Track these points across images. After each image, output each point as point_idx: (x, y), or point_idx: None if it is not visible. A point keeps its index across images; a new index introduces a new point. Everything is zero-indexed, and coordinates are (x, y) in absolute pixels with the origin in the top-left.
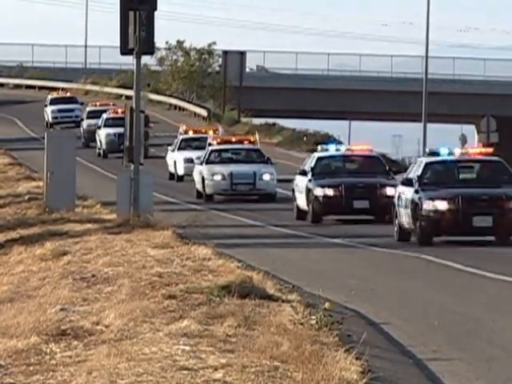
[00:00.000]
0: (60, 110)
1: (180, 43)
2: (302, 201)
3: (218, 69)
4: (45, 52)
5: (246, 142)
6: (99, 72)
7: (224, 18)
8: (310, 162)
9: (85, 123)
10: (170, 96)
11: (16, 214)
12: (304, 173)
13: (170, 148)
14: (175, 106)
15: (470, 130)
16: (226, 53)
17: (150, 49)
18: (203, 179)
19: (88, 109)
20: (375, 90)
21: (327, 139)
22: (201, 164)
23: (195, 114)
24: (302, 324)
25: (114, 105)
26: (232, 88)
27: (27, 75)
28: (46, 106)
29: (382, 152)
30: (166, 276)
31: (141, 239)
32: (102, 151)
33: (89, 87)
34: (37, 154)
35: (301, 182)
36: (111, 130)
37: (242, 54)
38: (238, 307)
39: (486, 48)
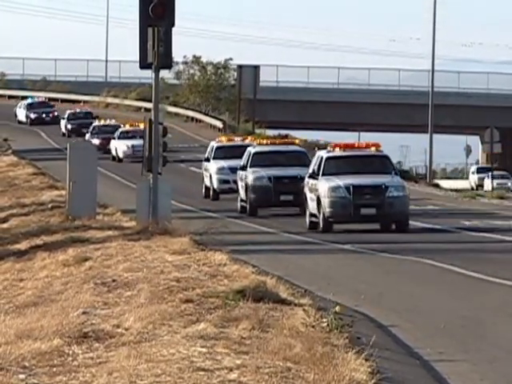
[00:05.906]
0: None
1: (197, 58)
2: None
3: (233, 82)
4: (67, 66)
5: None
6: (119, 85)
7: (239, 34)
8: None
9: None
10: (187, 108)
11: (40, 221)
12: None
13: None
14: (192, 118)
15: (474, 140)
16: (240, 67)
17: (167, 63)
18: None
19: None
20: (383, 103)
21: None
22: None
23: (211, 125)
24: (313, 327)
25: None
26: (246, 101)
27: (50, 88)
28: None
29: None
30: (183, 281)
31: (159, 246)
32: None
33: (110, 100)
34: (59, 164)
35: None
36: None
37: (256, 68)
38: (252, 311)
39: (489, 62)
